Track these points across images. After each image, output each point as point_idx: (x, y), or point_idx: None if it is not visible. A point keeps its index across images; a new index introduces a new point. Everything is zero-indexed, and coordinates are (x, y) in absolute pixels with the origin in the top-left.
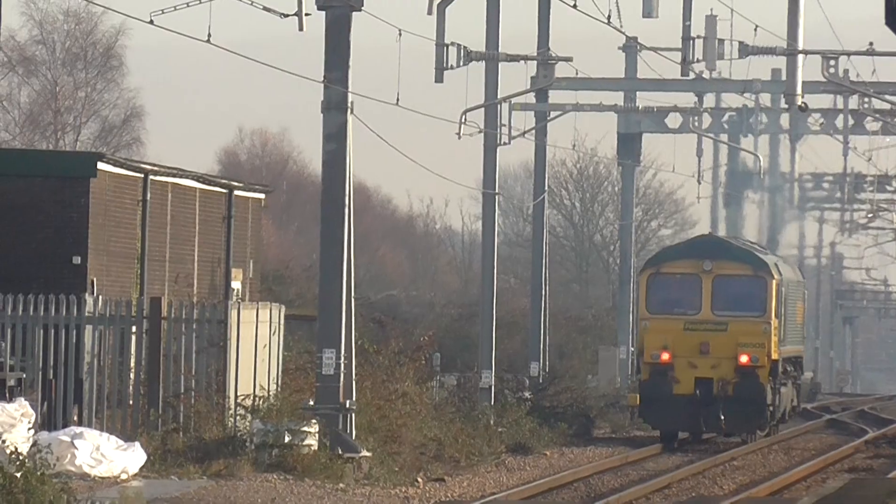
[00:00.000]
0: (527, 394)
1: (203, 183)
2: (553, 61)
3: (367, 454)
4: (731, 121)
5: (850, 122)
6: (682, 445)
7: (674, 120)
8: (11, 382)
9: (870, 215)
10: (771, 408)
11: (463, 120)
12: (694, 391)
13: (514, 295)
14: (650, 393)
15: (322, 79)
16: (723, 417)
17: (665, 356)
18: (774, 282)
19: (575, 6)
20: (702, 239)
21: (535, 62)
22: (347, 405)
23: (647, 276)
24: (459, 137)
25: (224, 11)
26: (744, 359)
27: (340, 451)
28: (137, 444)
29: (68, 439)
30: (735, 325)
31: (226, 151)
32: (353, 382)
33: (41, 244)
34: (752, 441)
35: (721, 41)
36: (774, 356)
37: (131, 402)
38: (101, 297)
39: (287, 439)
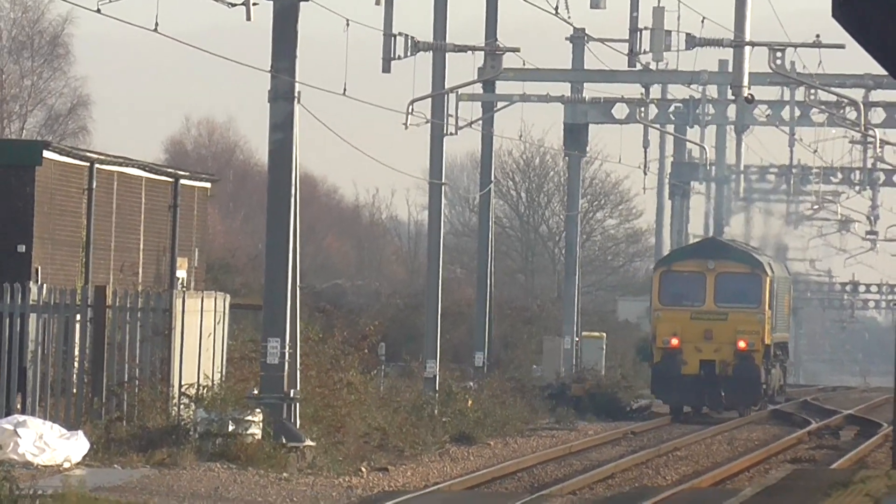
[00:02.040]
0: (471, 383)
1: (149, 172)
2: (500, 52)
3: (311, 443)
4: (678, 112)
5: (797, 113)
6: (687, 417)
7: (620, 111)
8: None
9: (815, 207)
10: (764, 386)
11: (410, 110)
12: (699, 371)
13: (459, 285)
14: (662, 373)
15: (269, 68)
16: (723, 394)
17: (674, 341)
18: (768, 278)
19: None
20: (706, 242)
21: (483, 53)
22: (292, 394)
23: (659, 273)
24: (406, 127)
25: (172, 1)
26: (742, 344)
27: (284, 441)
28: (81, 432)
29: (11, 427)
30: (734, 315)
31: (172, 141)
32: (298, 372)
33: None
34: (747, 414)
35: (668, 32)
36: (767, 341)
37: (75, 391)
38: (45, 286)
39: (231, 428)
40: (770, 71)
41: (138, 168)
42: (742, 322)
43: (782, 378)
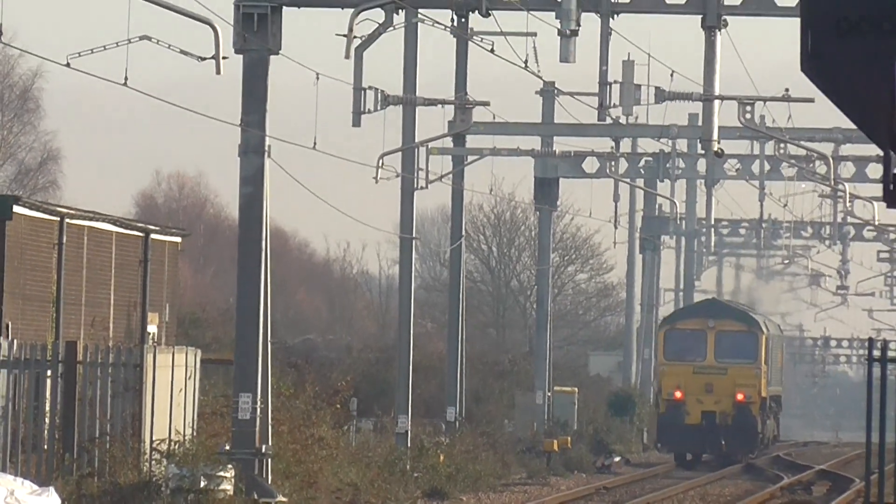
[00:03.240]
0: (443, 438)
1: (119, 226)
2: (470, 105)
3: (284, 499)
4: (648, 166)
5: (767, 167)
6: (689, 464)
7: (591, 165)
8: None
9: (786, 261)
10: (760, 435)
11: (380, 164)
12: (701, 421)
13: (430, 339)
14: (667, 423)
15: (239, 122)
16: (724, 442)
17: (678, 394)
18: (763, 336)
19: (492, 51)
20: (706, 302)
21: (453, 106)
22: (264, 450)
23: (663, 331)
24: (377, 181)
25: (141, 54)
26: (740, 396)
27: (256, 496)
28: (52, 488)
29: None
30: (733, 370)
31: (143, 195)
32: (270, 427)
33: None
34: (746, 461)
35: (638, 86)
36: (763, 394)
37: (46, 447)
38: (15, 341)
39: (203, 484)
40: (740, 125)
41: (108, 223)
42: (740, 376)
43: (776, 428)
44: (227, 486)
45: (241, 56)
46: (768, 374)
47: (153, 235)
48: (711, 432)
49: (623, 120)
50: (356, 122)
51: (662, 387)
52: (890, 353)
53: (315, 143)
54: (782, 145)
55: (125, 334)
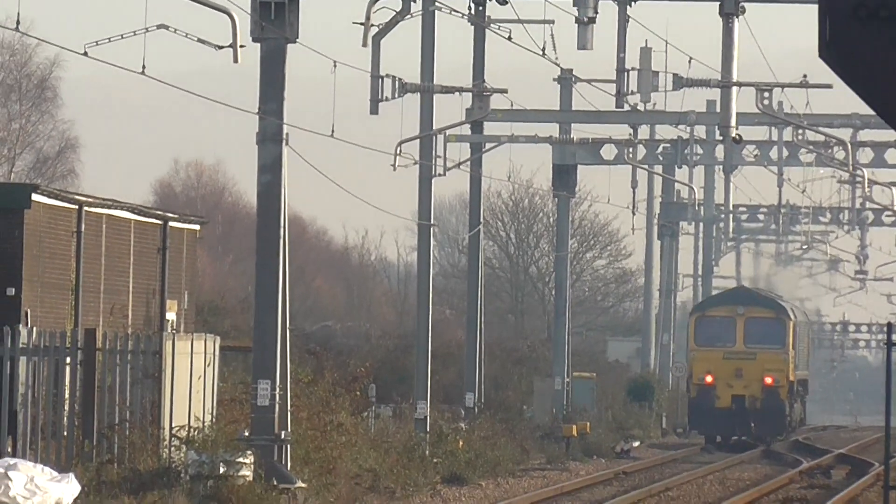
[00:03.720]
0: (462, 424)
1: (138, 214)
2: (488, 93)
3: (303, 485)
4: (666, 152)
5: (785, 153)
6: (718, 446)
7: (608, 151)
8: None
9: (804, 247)
10: (788, 418)
11: (398, 151)
12: (731, 405)
13: (449, 326)
14: (697, 406)
15: (257, 110)
16: (752, 425)
17: (709, 379)
18: (791, 322)
19: (510, 39)
20: (736, 290)
21: (470, 94)
22: (283, 436)
23: (695, 318)
24: (395, 169)
25: (158, 43)
26: (768, 381)
27: (276, 482)
28: (72, 475)
29: (2, 470)
30: (762, 355)
31: (161, 183)
32: (289, 413)
33: None
34: (773, 443)
35: (655, 73)
36: (791, 378)
37: (66, 434)
38: (35, 329)
39: (222, 470)
40: (758, 111)
41: (127, 210)
42: (769, 361)
43: (803, 411)
44: (247, 472)
45: (258, 44)
46: (796, 359)
47: (172, 223)
48: (741, 415)
49: (641, 107)
50: (374, 110)
51: (693, 372)
52: None
53: (333, 131)
54: (800, 131)
55: (144, 322)
